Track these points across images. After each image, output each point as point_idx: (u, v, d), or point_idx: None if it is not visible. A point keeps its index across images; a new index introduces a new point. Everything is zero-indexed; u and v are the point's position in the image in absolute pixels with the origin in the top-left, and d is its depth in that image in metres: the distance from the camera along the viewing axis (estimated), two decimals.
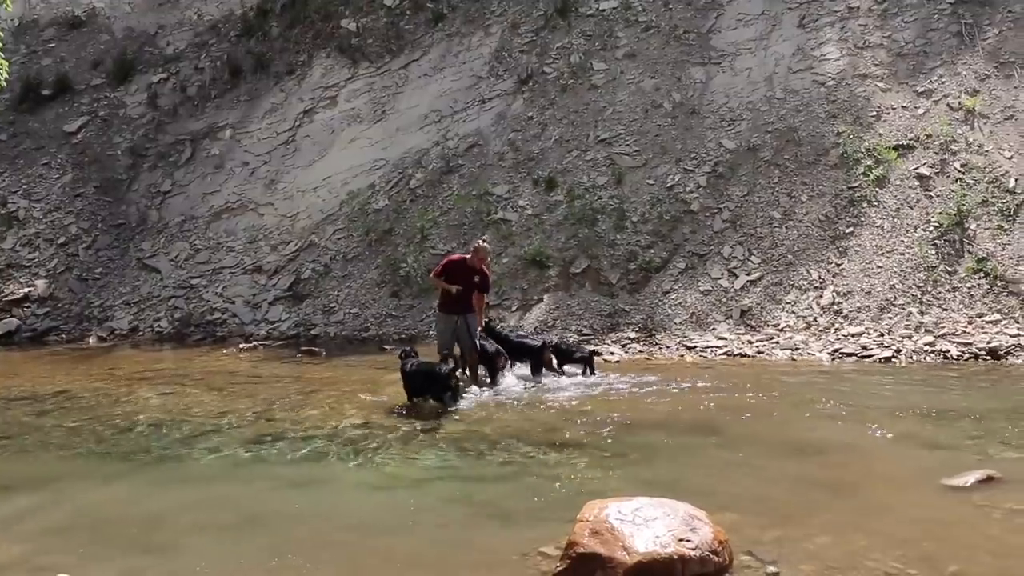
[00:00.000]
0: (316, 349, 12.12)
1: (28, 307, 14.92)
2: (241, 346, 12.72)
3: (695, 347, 10.82)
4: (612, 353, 10.81)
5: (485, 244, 9.41)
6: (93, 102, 17.97)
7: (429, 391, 8.21)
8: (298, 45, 17.50)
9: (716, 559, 4.19)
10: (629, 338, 11.43)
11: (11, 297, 15.04)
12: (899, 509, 5.16)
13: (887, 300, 10.88)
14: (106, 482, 6.33)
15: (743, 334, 11.06)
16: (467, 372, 9.10)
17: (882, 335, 10.36)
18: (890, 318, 10.67)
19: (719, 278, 11.98)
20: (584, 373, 9.29)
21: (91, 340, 14.03)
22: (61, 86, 18.15)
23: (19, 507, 5.77)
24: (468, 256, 9.08)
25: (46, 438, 7.70)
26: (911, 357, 9.78)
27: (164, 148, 16.93)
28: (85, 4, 19.34)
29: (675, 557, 4.10)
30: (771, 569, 4.28)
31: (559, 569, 4.25)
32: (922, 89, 13.10)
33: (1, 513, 5.64)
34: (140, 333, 14.22)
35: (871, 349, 9.98)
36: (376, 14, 17.13)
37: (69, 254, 15.73)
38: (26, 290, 15.15)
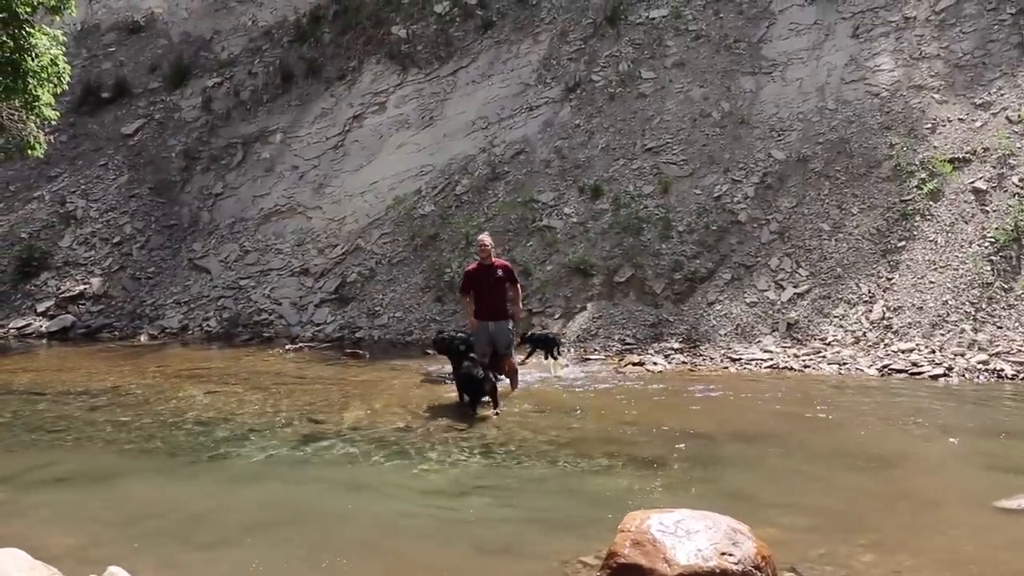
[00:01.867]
0: (360, 352, 12.25)
1: (83, 304, 15.36)
2: (287, 347, 12.91)
3: (740, 359, 10.68)
4: (655, 363, 10.72)
5: (483, 236, 9.36)
6: (149, 105, 18.47)
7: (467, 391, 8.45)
8: (349, 51, 17.75)
9: (759, 574, 4.13)
10: (672, 348, 11.34)
11: (67, 294, 15.49)
12: (949, 529, 5.03)
13: (939, 316, 10.62)
14: (155, 478, 6.48)
15: (789, 347, 10.89)
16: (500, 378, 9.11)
17: (933, 352, 10.10)
18: (942, 335, 10.40)
19: (766, 290, 11.82)
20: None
21: (142, 338, 14.38)
22: (119, 89, 18.69)
23: (73, 500, 5.94)
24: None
25: (98, 433, 7.91)
26: (963, 375, 9.52)
27: (217, 151, 17.31)
28: (144, 10, 19.90)
29: (717, 571, 4.04)
30: None
31: None
32: (980, 101, 12.78)
33: (56, 505, 5.81)
34: (189, 332, 14.52)
35: (922, 366, 9.74)
36: (426, 21, 17.31)
37: (123, 253, 16.15)
38: (82, 287, 15.59)
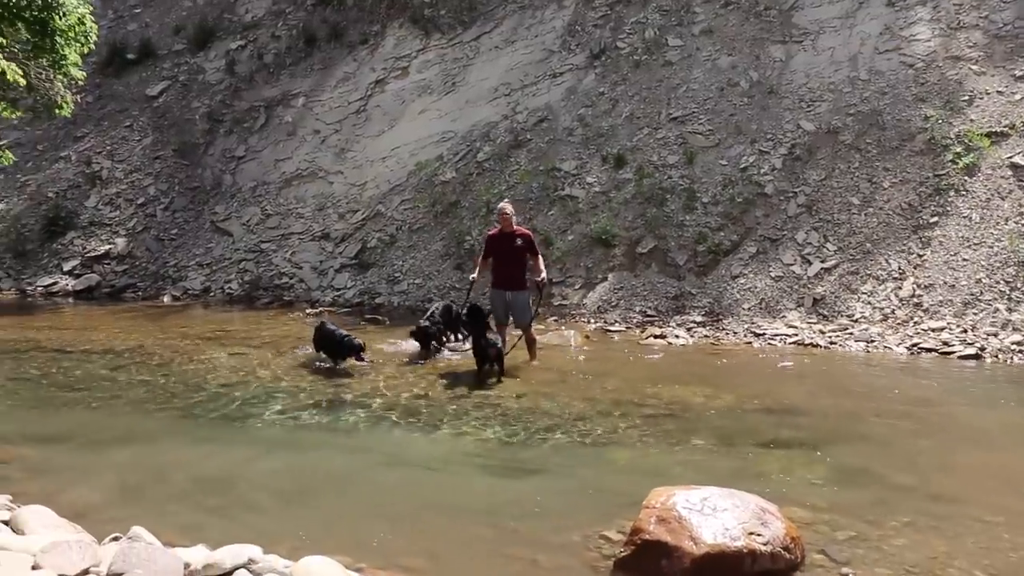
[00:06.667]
0: (380, 318, 12.24)
1: (108, 264, 15.47)
2: (307, 311, 12.93)
3: (764, 334, 10.53)
4: (677, 336, 10.61)
5: (504, 204, 9.21)
6: (174, 67, 18.40)
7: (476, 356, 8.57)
8: (372, 15, 17.54)
9: (787, 556, 4.07)
10: (695, 322, 11.21)
11: (93, 253, 15.61)
12: (988, 515, 4.88)
13: (972, 295, 10.39)
14: (179, 439, 6.50)
15: (815, 323, 10.72)
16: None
17: (965, 331, 9.89)
18: (975, 314, 10.18)
19: (791, 264, 11.62)
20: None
21: (165, 299, 14.47)
22: (145, 51, 18.63)
23: (97, 459, 5.97)
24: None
25: (122, 393, 7.96)
26: (996, 356, 9.33)
27: (240, 114, 17.24)
28: None
29: (744, 551, 3.98)
30: (845, 570, 4.12)
31: (623, 555, 4.17)
32: (1020, 73, 12.37)
33: (81, 464, 5.85)
34: (211, 294, 14.59)
35: (953, 345, 9.54)
36: None
37: (147, 214, 16.21)
38: (107, 247, 15.70)
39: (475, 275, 9.13)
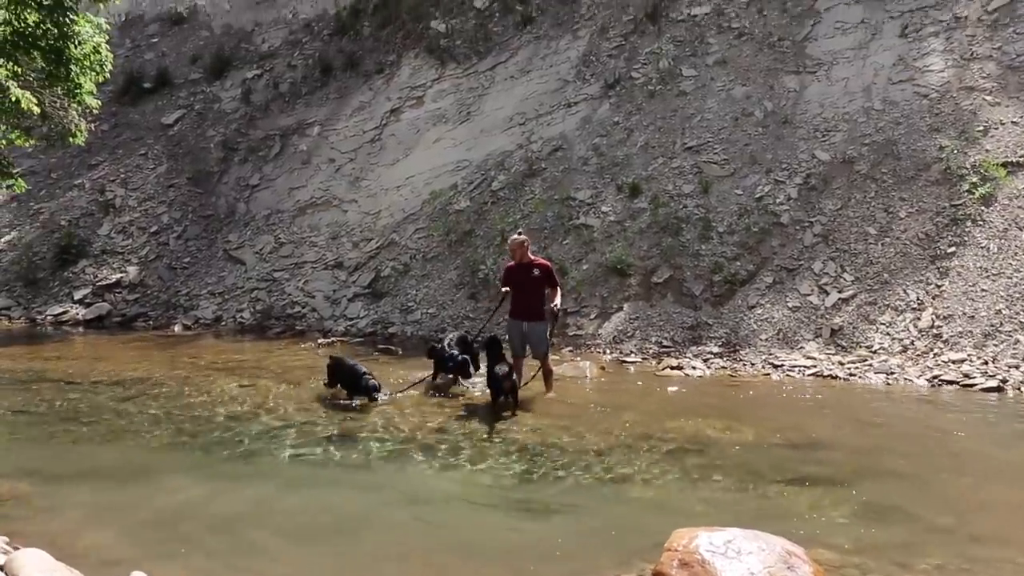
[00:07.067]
0: (393, 348, 12.15)
1: (119, 292, 15.48)
2: (319, 341, 12.85)
3: (782, 365, 10.39)
4: (694, 368, 10.48)
5: (517, 235, 9.04)
6: (190, 96, 18.57)
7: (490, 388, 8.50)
8: (388, 45, 17.69)
9: None
10: (712, 352, 11.08)
11: (104, 282, 15.62)
12: (1014, 551, 4.73)
13: (992, 326, 10.23)
14: (185, 476, 6.33)
15: (833, 354, 10.58)
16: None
17: (986, 363, 9.73)
18: (995, 345, 10.02)
19: (809, 294, 11.50)
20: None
21: (176, 328, 14.44)
22: (161, 80, 18.83)
23: (101, 496, 5.84)
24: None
25: (129, 425, 7.87)
26: (1019, 388, 9.15)
27: (255, 142, 17.34)
28: (187, 1, 20.07)
29: None
30: None
31: None
32: None
33: (84, 501, 5.71)
34: (223, 323, 14.55)
35: (974, 377, 9.38)
36: (465, 16, 17.18)
37: (160, 242, 16.25)
38: (118, 276, 15.71)
39: (499, 304, 9.10)
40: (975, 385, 9.23)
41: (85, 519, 5.35)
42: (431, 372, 9.50)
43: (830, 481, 6.19)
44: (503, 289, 8.99)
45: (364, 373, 8.62)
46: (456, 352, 9.18)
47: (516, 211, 14.10)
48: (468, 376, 9.18)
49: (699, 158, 13.64)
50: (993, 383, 9.18)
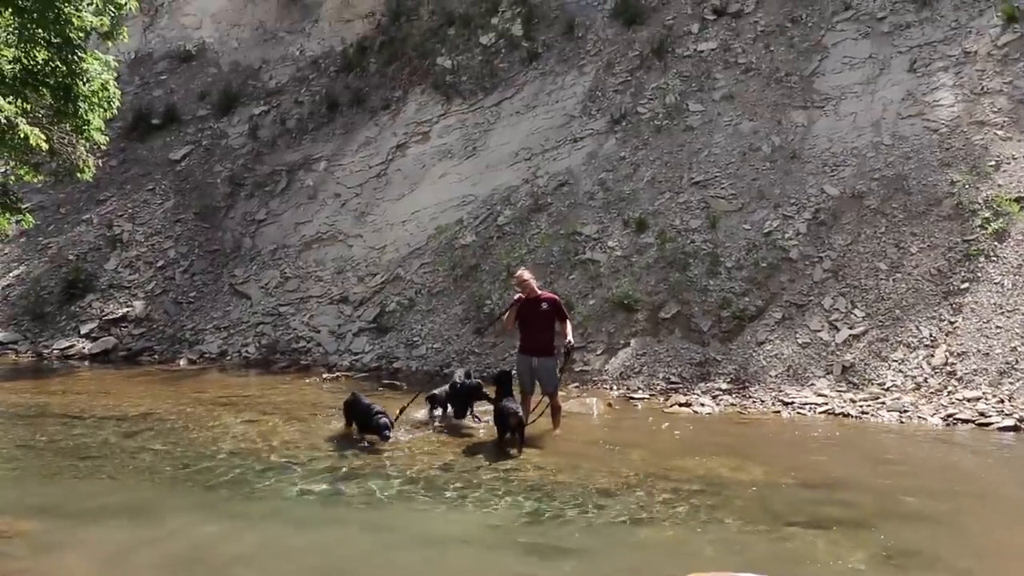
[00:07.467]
0: (397, 383, 12.02)
1: (125, 327, 15.41)
2: (324, 376, 12.74)
3: (792, 403, 10.21)
4: (703, 404, 10.31)
5: (520, 272, 9.07)
6: (198, 132, 18.68)
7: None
8: (394, 81, 17.80)
9: None
10: (720, 389, 10.91)
11: (110, 316, 15.57)
12: None
13: (1007, 364, 10.05)
14: (190, 515, 6.22)
15: (844, 392, 10.39)
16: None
17: (1002, 401, 9.53)
18: (1011, 383, 9.83)
19: (819, 330, 11.35)
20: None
21: (181, 362, 14.34)
22: (169, 116, 18.95)
23: (104, 536, 5.73)
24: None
25: (133, 462, 7.75)
26: None
27: (261, 178, 17.38)
28: (196, 39, 20.27)
29: None
30: None
31: None
32: None
33: (87, 540, 5.60)
34: (228, 358, 14.44)
35: (990, 416, 9.18)
36: (471, 52, 17.29)
37: (166, 277, 16.22)
38: (125, 310, 15.67)
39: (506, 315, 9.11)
40: (991, 424, 9.03)
41: (86, 559, 5.24)
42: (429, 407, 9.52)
43: (847, 523, 6.00)
44: (504, 316, 8.94)
45: (377, 413, 8.48)
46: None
47: (522, 246, 14.03)
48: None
49: (706, 193, 13.59)
50: (1010, 422, 8.99)
